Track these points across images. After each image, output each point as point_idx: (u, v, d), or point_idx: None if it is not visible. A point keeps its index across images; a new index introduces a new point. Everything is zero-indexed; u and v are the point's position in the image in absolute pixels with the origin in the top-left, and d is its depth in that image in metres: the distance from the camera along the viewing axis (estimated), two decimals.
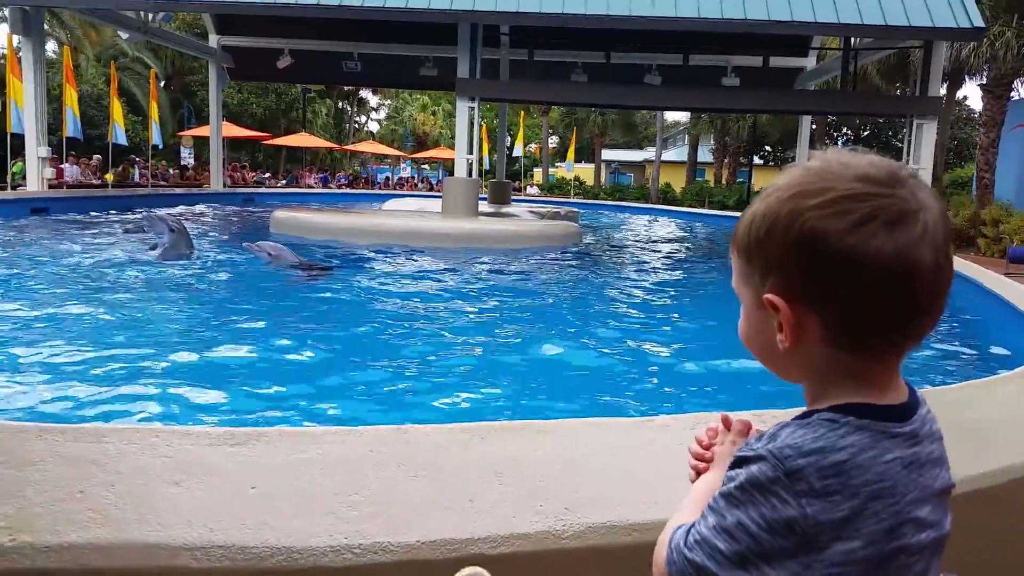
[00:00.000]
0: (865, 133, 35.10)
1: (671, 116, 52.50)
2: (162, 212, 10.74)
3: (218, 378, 4.20)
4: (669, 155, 48.53)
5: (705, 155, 44.13)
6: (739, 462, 0.82)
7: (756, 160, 39.67)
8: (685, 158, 43.52)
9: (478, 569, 1.28)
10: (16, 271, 7.78)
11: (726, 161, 39.71)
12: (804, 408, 0.86)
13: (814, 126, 23.05)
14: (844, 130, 35.19)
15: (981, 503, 1.94)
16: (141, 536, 1.52)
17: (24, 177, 15.81)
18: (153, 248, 9.29)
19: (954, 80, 20.55)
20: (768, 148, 41.56)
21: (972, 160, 23.62)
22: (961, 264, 9.02)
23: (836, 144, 35.81)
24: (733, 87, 17.47)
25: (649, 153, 48.20)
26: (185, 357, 4.60)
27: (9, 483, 1.61)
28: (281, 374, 4.40)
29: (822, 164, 0.82)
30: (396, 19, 14.36)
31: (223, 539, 1.52)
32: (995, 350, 5.56)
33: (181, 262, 8.69)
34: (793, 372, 0.87)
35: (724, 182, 38.45)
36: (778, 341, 0.83)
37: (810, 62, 19.50)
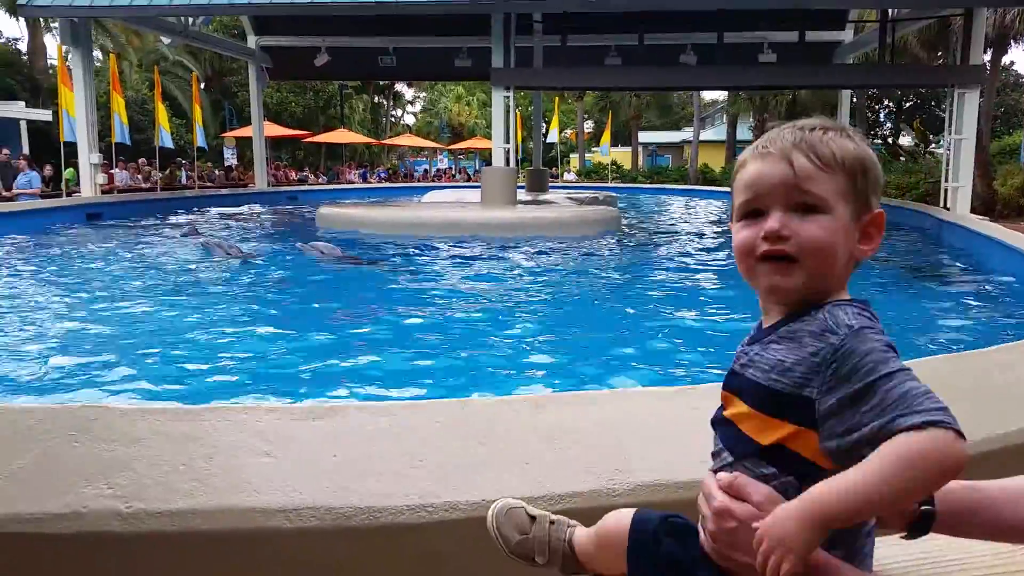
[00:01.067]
0: (908, 104, 34.38)
1: (708, 95, 51.90)
2: (215, 239, 10.93)
3: (296, 362, 4.54)
4: (707, 135, 48.04)
5: (745, 133, 43.58)
6: (848, 354, 0.94)
7: None
8: (724, 137, 43.04)
9: (509, 500, 1.40)
10: (94, 274, 8.15)
11: None
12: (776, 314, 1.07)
13: (855, 99, 22.72)
14: (886, 102, 34.51)
15: (1013, 458, 2.05)
16: (239, 501, 1.70)
17: (77, 183, 16.36)
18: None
19: (999, 45, 20.04)
20: None
21: (1021, 127, 23.12)
22: (1008, 234, 8.94)
23: (879, 116, 35.16)
24: (770, 63, 17.31)
25: (687, 134, 47.77)
26: (266, 345, 4.96)
27: (121, 459, 1.81)
28: (352, 357, 4.71)
29: (823, 119, 1.08)
30: (429, 12, 14.55)
31: (311, 501, 1.70)
32: None
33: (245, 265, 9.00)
34: (838, 275, 1.05)
35: None
36: (860, 250, 1.06)
37: (848, 35, 19.21)
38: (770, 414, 0.99)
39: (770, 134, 1.07)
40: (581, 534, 1.33)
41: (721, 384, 1.12)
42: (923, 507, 1.09)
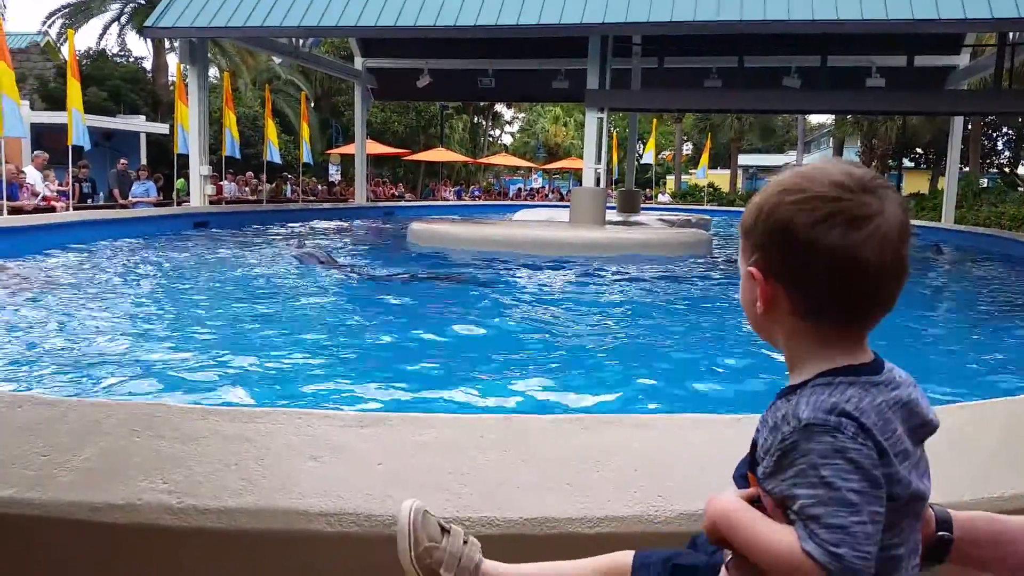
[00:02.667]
0: None
1: (814, 118, 50.57)
2: (309, 248, 11.23)
3: (353, 370, 4.66)
4: (811, 159, 46.67)
5: (852, 158, 42.19)
6: (789, 448, 0.94)
7: (906, 163, 37.61)
8: None
9: (422, 503, 1.31)
10: (188, 278, 8.58)
11: (874, 164, 37.87)
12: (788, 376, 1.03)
13: (969, 126, 21.68)
14: (1004, 130, 32.77)
15: None
16: (284, 503, 1.74)
17: (188, 193, 17.24)
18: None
19: None
20: (919, 150, 39.30)
21: None
22: None
23: (995, 145, 33.43)
24: (878, 88, 16.71)
25: (790, 157, 46.61)
26: (326, 352, 5.09)
27: (178, 455, 1.89)
28: (406, 367, 4.77)
29: (807, 169, 0.98)
30: (528, 35, 14.71)
31: (353, 507, 1.72)
32: None
33: (332, 275, 9.27)
34: (769, 333, 1.05)
35: None
36: (756, 306, 1.01)
37: (964, 60, 18.37)
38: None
39: None
40: (492, 568, 1.30)
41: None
42: (940, 532, 1.08)
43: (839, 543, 0.88)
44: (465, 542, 1.29)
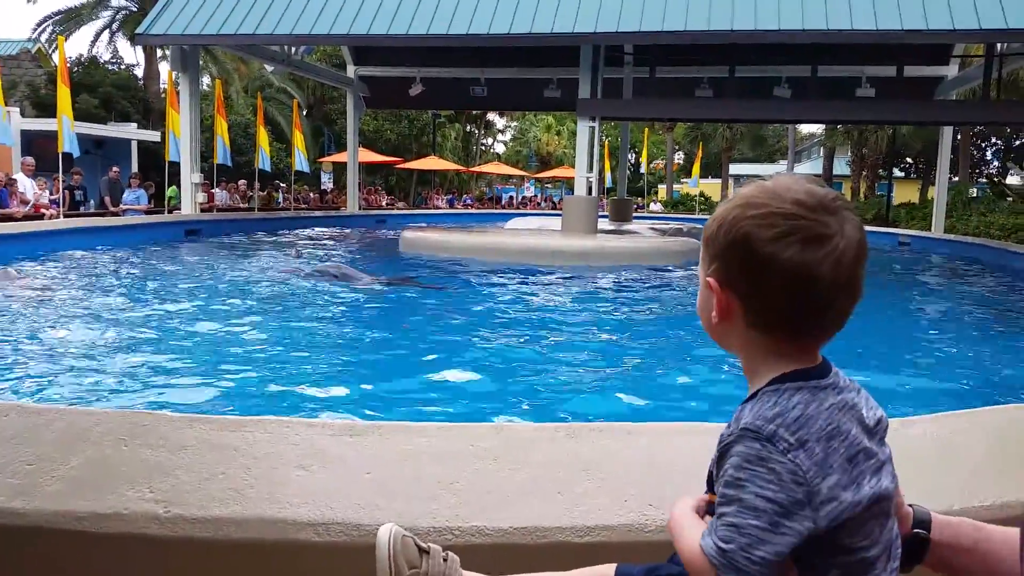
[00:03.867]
0: (1018, 142, 32.77)
1: (805, 128, 50.87)
2: (323, 265, 11.04)
3: (341, 379, 4.65)
4: (803, 168, 46.94)
5: (842, 167, 42.40)
6: (725, 449, 0.98)
7: (896, 172, 37.76)
8: (820, 171, 41.95)
9: (397, 527, 1.29)
10: (178, 286, 8.53)
11: (864, 174, 38.05)
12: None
13: (959, 136, 21.77)
14: (993, 140, 32.98)
15: None
16: (272, 512, 1.73)
17: (179, 201, 17.19)
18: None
19: None
20: (909, 160, 39.53)
21: None
22: None
23: (985, 154, 33.65)
24: (868, 98, 16.81)
25: (781, 167, 46.81)
26: (314, 361, 5.08)
27: (165, 464, 1.87)
28: (396, 376, 4.78)
29: (771, 184, 1.00)
30: (520, 44, 14.75)
31: (341, 517, 1.71)
32: None
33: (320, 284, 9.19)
34: (725, 341, 1.08)
35: (862, 196, 36.80)
36: (712, 315, 1.02)
37: (952, 70, 18.51)
38: None
39: None
40: None
41: None
42: (916, 530, 1.09)
43: (730, 540, 0.92)
44: (445, 559, 1.29)
